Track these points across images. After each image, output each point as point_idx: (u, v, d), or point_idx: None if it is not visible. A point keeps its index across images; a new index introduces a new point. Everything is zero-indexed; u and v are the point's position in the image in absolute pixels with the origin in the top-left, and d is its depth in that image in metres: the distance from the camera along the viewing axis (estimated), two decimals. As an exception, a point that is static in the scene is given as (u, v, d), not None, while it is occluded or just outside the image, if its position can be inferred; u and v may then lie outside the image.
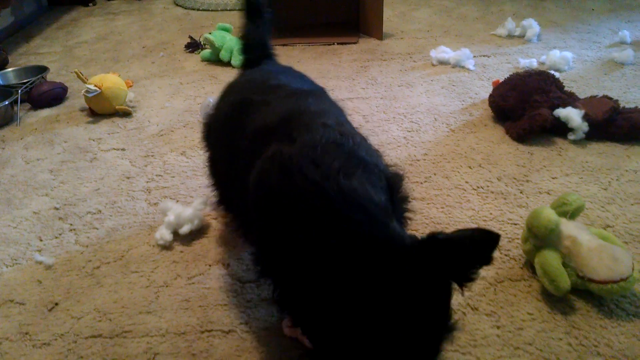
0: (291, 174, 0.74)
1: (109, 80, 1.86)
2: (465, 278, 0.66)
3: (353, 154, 0.79)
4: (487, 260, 0.64)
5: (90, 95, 1.83)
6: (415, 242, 0.68)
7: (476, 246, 0.64)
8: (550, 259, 1.00)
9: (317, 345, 0.76)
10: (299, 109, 0.92)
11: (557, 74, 1.74)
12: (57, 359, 0.96)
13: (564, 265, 1.00)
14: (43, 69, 2.18)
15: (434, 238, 0.66)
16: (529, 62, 2.06)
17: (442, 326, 0.68)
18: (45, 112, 1.99)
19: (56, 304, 1.09)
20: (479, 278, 1.06)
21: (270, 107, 0.94)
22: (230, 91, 1.13)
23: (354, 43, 2.48)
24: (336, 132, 0.83)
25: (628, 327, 0.95)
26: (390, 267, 0.64)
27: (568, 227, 1.03)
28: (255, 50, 1.27)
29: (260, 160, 0.81)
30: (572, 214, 1.07)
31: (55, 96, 2.03)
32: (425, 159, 1.51)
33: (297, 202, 0.72)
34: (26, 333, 1.02)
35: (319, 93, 1.07)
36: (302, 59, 2.34)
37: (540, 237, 1.03)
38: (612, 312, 0.98)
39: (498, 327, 0.96)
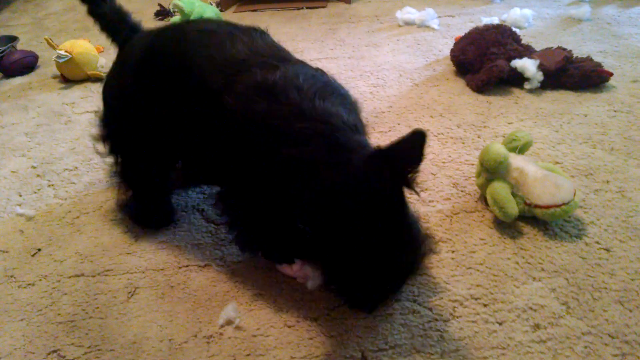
0: (276, 97, 0.84)
1: (80, 46, 1.88)
2: (408, 177, 0.76)
3: (329, 84, 0.92)
4: (419, 158, 0.72)
5: (61, 61, 1.85)
6: (373, 151, 0.77)
7: (410, 147, 0.71)
8: (499, 188, 1.08)
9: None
10: (263, 43, 0.98)
11: (518, 31, 1.81)
12: (42, 296, 1.02)
13: (513, 194, 1.09)
14: (13, 39, 2.18)
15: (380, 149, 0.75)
16: (490, 20, 2.13)
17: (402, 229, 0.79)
18: (17, 80, 2.01)
19: (39, 249, 1.14)
20: (437, 211, 1.16)
21: (227, 41, 0.94)
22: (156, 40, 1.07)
23: (323, 7, 2.52)
24: (313, 67, 0.95)
25: (570, 246, 1.04)
26: (352, 165, 0.76)
27: (516, 160, 1.11)
28: (122, 25, 1.24)
29: (242, 86, 0.87)
30: (520, 149, 1.15)
31: (27, 64, 2.05)
32: (389, 111, 1.58)
33: (280, 121, 0.82)
34: (11, 276, 1.08)
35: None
36: (271, 23, 2.38)
37: (491, 170, 1.11)
38: (556, 234, 1.07)
39: (452, 252, 1.05)
